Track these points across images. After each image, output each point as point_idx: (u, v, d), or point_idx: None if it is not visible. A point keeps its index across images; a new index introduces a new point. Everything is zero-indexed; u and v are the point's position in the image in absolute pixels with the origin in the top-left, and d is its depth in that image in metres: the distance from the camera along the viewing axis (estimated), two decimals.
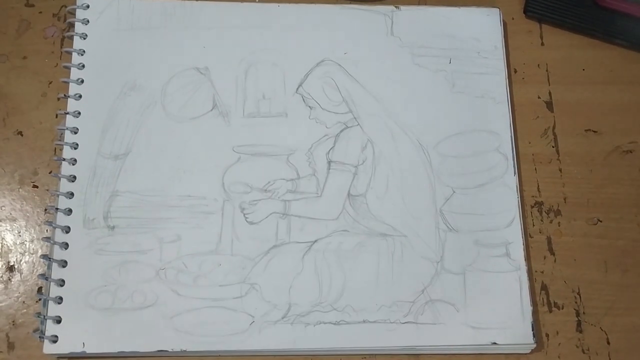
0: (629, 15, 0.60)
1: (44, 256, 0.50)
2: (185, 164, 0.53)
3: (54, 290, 0.49)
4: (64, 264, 0.50)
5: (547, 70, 0.60)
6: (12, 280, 0.51)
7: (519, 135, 0.57)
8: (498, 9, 0.60)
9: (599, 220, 0.55)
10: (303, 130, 0.55)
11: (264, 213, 0.53)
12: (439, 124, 0.56)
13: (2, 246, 0.52)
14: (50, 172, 0.54)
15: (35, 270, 0.51)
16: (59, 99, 0.55)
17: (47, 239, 0.50)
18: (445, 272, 0.52)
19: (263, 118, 0.55)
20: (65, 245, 0.50)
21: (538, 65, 0.60)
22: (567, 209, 0.55)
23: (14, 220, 0.53)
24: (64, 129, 0.53)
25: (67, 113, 0.54)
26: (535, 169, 0.57)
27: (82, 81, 0.55)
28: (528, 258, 0.53)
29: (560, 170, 0.57)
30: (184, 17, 0.58)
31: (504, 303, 0.51)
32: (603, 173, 0.57)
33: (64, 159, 0.52)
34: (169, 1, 0.58)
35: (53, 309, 0.49)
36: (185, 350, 0.48)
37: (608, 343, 0.52)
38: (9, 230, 0.52)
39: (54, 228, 0.51)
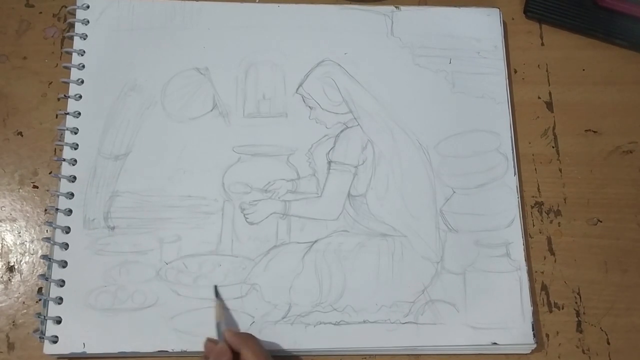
0: (629, 15, 0.60)
1: (44, 257, 0.50)
2: (185, 164, 0.53)
3: (54, 291, 0.49)
4: (64, 264, 0.50)
5: (547, 71, 0.60)
6: (12, 280, 0.51)
7: (519, 135, 0.57)
8: (498, 9, 0.60)
9: (599, 220, 0.55)
10: (303, 131, 0.55)
11: (264, 213, 0.53)
12: (439, 124, 0.56)
13: (2, 246, 0.52)
14: (50, 173, 0.54)
15: (35, 271, 0.51)
16: (59, 99, 0.55)
17: (47, 239, 0.50)
18: (445, 272, 0.52)
19: (263, 118, 0.55)
20: (66, 246, 0.50)
21: (538, 65, 0.60)
22: (567, 209, 0.55)
23: (14, 220, 0.53)
24: (64, 129, 0.53)
25: (67, 113, 0.54)
26: (535, 169, 0.57)
27: (82, 81, 0.55)
28: (528, 258, 0.53)
29: (560, 170, 0.57)
30: (184, 17, 0.58)
31: (504, 303, 0.51)
32: (603, 173, 0.57)
33: (64, 160, 0.52)
34: (169, 1, 0.58)
35: (53, 310, 0.49)
36: (185, 351, 0.48)
37: (608, 343, 0.52)
38: (9, 231, 0.52)
39: (54, 228, 0.51)
